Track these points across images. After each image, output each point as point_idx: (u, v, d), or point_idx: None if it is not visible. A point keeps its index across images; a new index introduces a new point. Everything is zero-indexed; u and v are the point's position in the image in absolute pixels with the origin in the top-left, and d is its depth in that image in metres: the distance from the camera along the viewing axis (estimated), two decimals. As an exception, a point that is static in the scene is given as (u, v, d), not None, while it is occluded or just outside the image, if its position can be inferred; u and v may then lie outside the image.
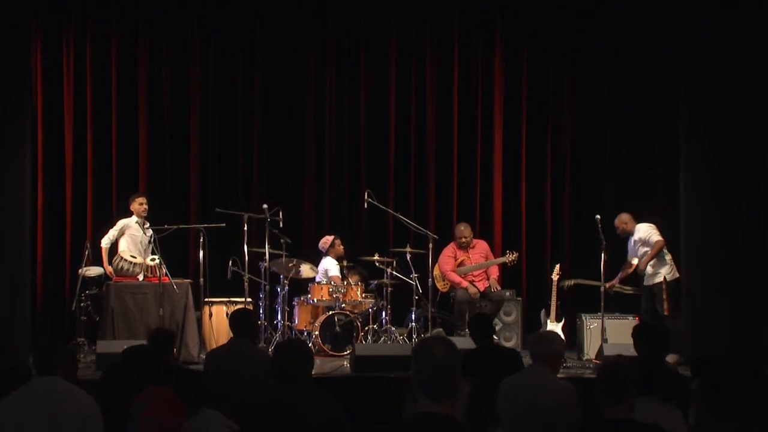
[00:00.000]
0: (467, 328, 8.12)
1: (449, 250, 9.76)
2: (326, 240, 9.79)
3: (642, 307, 9.25)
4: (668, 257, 9.18)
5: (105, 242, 9.17)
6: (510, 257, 9.68)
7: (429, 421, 2.94)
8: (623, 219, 9.29)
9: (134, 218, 9.21)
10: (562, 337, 5.38)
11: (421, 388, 2.97)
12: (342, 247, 9.77)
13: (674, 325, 8.85)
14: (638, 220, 9.39)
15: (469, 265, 9.70)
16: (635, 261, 9.28)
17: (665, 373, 5.26)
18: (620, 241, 9.46)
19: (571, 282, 9.57)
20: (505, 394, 4.62)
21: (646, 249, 9.17)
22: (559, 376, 7.70)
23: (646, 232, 9.20)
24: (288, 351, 4.31)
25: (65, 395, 4.10)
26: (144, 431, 4.10)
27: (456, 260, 9.71)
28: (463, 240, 9.70)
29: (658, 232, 9.18)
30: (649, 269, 9.15)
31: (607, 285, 8.95)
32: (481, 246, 9.88)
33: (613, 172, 10.64)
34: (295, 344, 4.72)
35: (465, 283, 9.55)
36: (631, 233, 9.28)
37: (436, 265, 9.74)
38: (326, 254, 9.76)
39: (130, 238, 9.17)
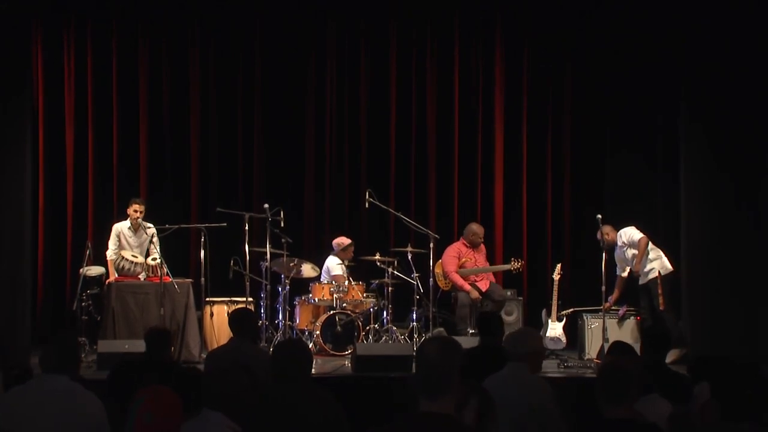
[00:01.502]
0: (474, 327, 8.11)
1: (453, 249, 9.75)
2: (342, 242, 9.75)
3: (642, 306, 9.26)
4: (658, 252, 9.18)
5: (110, 255, 9.10)
6: (515, 265, 9.66)
7: (427, 422, 2.95)
8: (605, 230, 9.20)
9: (127, 222, 9.19)
10: (540, 334, 5.30)
11: (418, 387, 3.00)
12: (352, 254, 9.77)
13: (671, 318, 8.88)
14: (638, 220, 9.38)
15: (471, 267, 9.70)
16: (625, 273, 9.28)
17: (664, 373, 5.28)
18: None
19: (569, 311, 9.54)
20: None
21: (633, 251, 9.17)
22: (559, 375, 7.79)
23: (627, 234, 9.21)
24: (288, 351, 4.31)
25: (73, 394, 4.10)
26: (140, 427, 4.08)
27: (459, 260, 9.70)
28: (479, 240, 9.74)
29: (638, 231, 9.19)
30: (643, 268, 9.15)
31: (603, 307, 8.94)
32: (482, 248, 9.91)
33: (613, 172, 10.64)
34: (295, 344, 4.72)
35: (468, 286, 9.54)
36: (615, 242, 9.26)
37: (438, 263, 9.73)
38: (334, 254, 9.76)
39: (124, 245, 9.16)
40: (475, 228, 9.81)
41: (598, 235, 9.12)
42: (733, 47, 8.70)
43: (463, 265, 9.69)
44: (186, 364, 7.76)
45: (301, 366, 4.20)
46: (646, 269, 9.13)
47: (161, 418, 3.94)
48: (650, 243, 9.17)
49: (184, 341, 8.62)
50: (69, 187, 10.35)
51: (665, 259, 9.15)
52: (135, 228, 9.15)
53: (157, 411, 4.00)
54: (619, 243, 9.25)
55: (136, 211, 9.14)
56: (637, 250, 9.11)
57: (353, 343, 8.62)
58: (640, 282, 9.21)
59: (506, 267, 9.76)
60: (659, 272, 9.05)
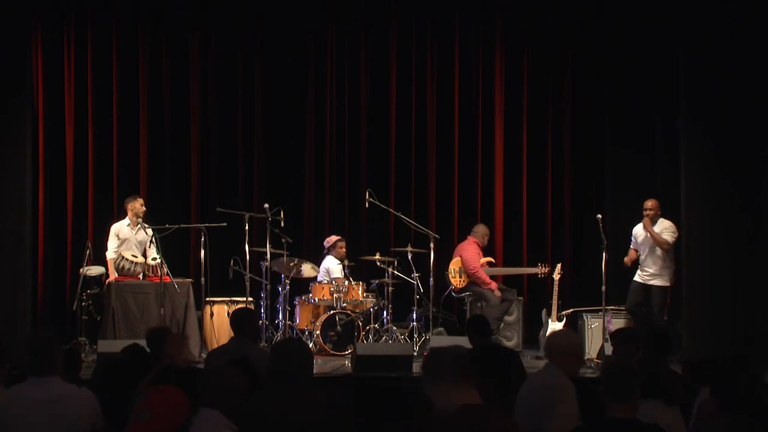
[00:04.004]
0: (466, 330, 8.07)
1: (473, 247, 9.69)
2: (330, 239, 9.81)
3: (643, 306, 9.12)
4: (674, 265, 9.10)
5: (110, 254, 9.06)
6: (542, 269, 9.65)
7: (470, 414, 3.18)
8: (650, 204, 9.05)
9: (125, 221, 9.18)
10: (577, 336, 5.21)
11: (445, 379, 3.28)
12: (344, 250, 9.76)
13: (669, 325, 8.85)
14: (638, 220, 9.34)
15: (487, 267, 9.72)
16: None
17: (668, 375, 5.26)
18: (621, 241, 9.43)
19: (569, 311, 9.51)
20: (520, 393, 4.70)
21: (664, 233, 9.00)
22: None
23: (662, 226, 9.02)
24: (285, 351, 4.28)
25: (65, 396, 4.07)
26: (135, 426, 4.06)
27: (480, 258, 9.69)
28: (486, 240, 9.81)
29: (673, 236, 8.99)
30: (653, 269, 9.03)
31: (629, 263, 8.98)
32: None
33: (613, 172, 10.64)
34: (293, 344, 4.68)
35: (494, 284, 9.53)
36: (653, 220, 9.05)
37: (455, 260, 9.67)
38: (327, 253, 9.78)
39: (122, 243, 9.15)
40: (483, 228, 9.86)
41: (648, 204, 9.01)
42: (733, 46, 8.70)
43: (483, 265, 9.66)
44: (186, 364, 7.74)
45: (300, 366, 4.17)
46: (660, 272, 9.03)
47: (157, 417, 3.91)
48: (671, 253, 9.08)
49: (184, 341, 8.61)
50: (69, 187, 10.33)
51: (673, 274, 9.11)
52: (134, 226, 9.13)
53: (154, 410, 3.98)
54: (658, 229, 8.99)
55: (142, 205, 9.13)
56: (658, 237, 8.96)
57: (353, 343, 8.61)
58: (649, 281, 9.02)
59: (534, 270, 9.74)
60: (669, 283, 9.00)
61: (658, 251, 9.01)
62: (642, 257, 9.10)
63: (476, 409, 3.23)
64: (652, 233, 8.97)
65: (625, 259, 9.17)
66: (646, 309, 9.01)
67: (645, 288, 9.06)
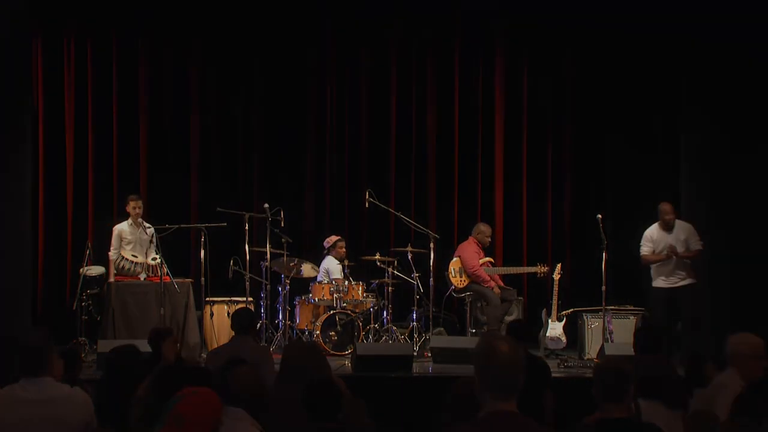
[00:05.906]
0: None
1: (472, 247, 9.66)
2: (329, 240, 9.81)
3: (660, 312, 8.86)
4: None
5: (114, 254, 9.09)
6: (541, 269, 9.62)
7: (501, 420, 2.95)
8: (667, 209, 8.76)
9: (128, 221, 9.19)
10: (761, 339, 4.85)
11: (489, 387, 2.96)
12: (344, 250, 9.76)
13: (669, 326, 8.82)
14: (639, 220, 9.32)
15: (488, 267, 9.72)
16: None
17: (668, 376, 5.25)
18: (621, 241, 9.43)
19: (569, 311, 9.47)
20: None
21: (691, 241, 8.78)
22: (559, 375, 7.79)
23: (687, 233, 8.81)
24: (297, 353, 4.26)
25: (57, 396, 4.07)
26: (170, 427, 4.01)
27: (479, 258, 9.69)
28: (487, 239, 9.76)
29: (698, 238, 8.83)
30: (684, 272, 8.78)
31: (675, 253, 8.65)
32: None
33: (613, 171, 10.64)
34: (305, 346, 4.66)
35: (493, 283, 9.51)
36: (672, 223, 8.80)
37: (456, 260, 9.65)
38: (327, 254, 9.78)
39: (125, 242, 9.15)
40: (484, 227, 9.82)
41: (668, 209, 8.73)
42: (733, 46, 8.70)
43: (484, 265, 9.65)
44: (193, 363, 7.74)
45: (311, 369, 4.16)
46: (689, 272, 8.79)
47: (193, 422, 3.85)
48: None
49: (184, 341, 8.62)
50: (69, 186, 10.34)
51: None
52: (136, 226, 9.14)
53: (190, 415, 3.91)
54: (683, 237, 8.77)
55: (135, 208, 9.14)
56: (690, 253, 8.82)
57: (353, 343, 8.61)
58: (678, 284, 8.77)
59: (533, 270, 9.71)
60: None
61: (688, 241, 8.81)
62: (669, 262, 8.77)
63: (509, 414, 2.97)
64: (687, 256, 8.71)
65: (651, 257, 8.83)
66: (675, 313, 8.76)
67: (672, 291, 8.79)
